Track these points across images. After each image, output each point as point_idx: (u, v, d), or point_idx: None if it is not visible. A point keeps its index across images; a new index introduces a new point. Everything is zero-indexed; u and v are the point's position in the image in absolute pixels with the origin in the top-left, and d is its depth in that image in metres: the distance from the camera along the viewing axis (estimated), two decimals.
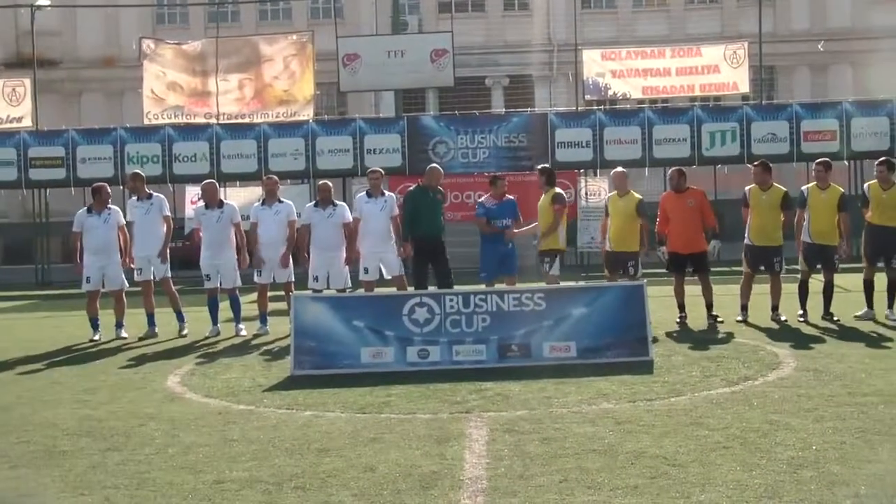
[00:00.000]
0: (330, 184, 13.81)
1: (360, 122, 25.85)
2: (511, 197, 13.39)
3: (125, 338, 13.26)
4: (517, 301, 10.17)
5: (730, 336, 11.90)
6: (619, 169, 13.82)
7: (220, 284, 13.49)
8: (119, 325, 13.51)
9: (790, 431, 7.02)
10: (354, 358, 9.90)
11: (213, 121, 26.17)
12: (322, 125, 25.93)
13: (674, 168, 14.18)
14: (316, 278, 13.17)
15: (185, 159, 25.28)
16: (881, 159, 13.57)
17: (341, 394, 8.86)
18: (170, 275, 13.73)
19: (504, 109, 31.23)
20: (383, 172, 14.15)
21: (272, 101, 26.87)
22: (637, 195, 13.33)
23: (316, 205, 13.43)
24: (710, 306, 13.11)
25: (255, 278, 13.51)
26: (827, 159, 13.66)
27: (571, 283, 12.43)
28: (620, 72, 27.19)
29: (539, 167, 13.53)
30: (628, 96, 27.46)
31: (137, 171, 14.56)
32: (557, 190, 13.02)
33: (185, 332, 13.40)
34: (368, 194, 13.41)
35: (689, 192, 13.22)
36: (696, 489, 5.71)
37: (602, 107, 27.18)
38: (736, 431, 7.04)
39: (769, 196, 13.04)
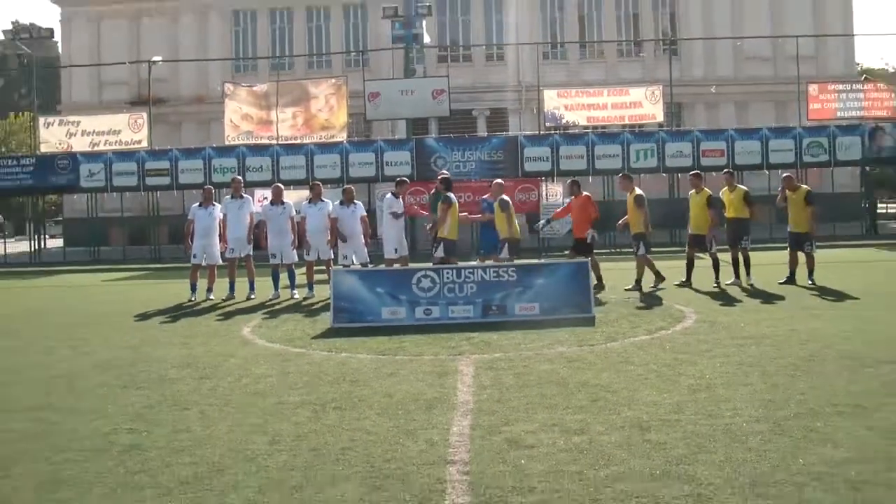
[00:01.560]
0: (352, 188, 13.80)
1: (381, 142, 25.69)
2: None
3: (213, 299, 13.22)
4: (496, 274, 10.12)
5: (650, 299, 11.84)
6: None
7: (282, 261, 13.46)
8: (210, 290, 13.44)
9: (691, 365, 7.03)
10: (377, 315, 9.86)
11: (275, 142, 26.00)
12: (353, 145, 25.77)
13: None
14: (345, 257, 13.17)
15: (254, 170, 25.09)
16: (725, 170, 13.76)
17: (367, 341, 8.82)
18: (251, 253, 13.70)
19: (486, 133, 31.04)
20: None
21: (317, 127, 26.69)
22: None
23: (342, 203, 13.42)
24: (599, 279, 12.94)
25: (304, 257, 13.50)
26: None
27: (536, 261, 12.31)
28: (571, 106, 27.03)
29: (440, 177, 12.96)
30: (577, 124, 27.28)
31: (238, 177, 14.57)
32: (449, 195, 12.53)
33: (252, 296, 13.34)
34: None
35: (582, 197, 13.28)
36: (624, 408, 5.73)
37: (558, 131, 27.04)
38: (653, 367, 7.04)
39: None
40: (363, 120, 29.47)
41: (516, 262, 11.79)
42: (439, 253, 12.33)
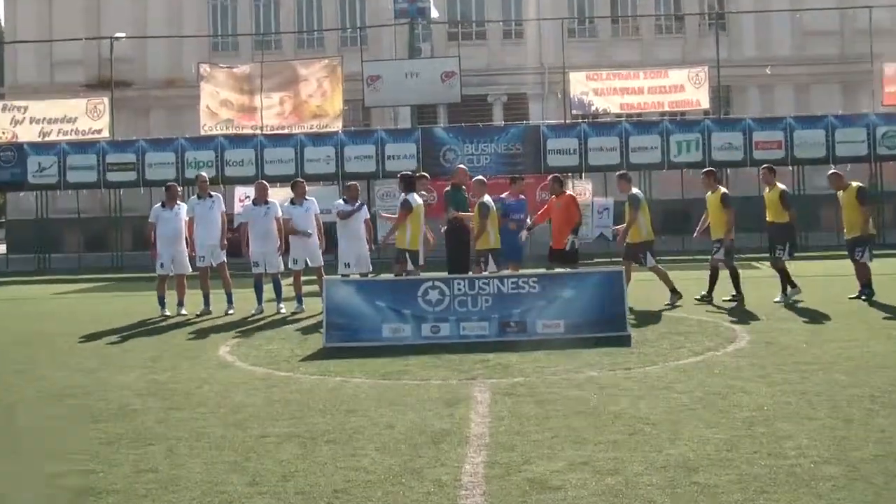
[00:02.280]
0: (358, 184, 13.82)
1: (382, 132, 25.81)
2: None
3: (185, 315, 13.20)
4: (515, 285, 10.08)
5: (694, 315, 11.77)
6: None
7: (266, 270, 13.44)
8: (180, 304, 13.43)
9: (745, 394, 6.95)
10: (377, 332, 9.85)
11: (258, 132, 26.11)
12: (349, 135, 25.87)
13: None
14: (347, 265, 13.12)
15: (235, 164, 25.20)
16: (764, 165, 13.77)
17: (366, 363, 8.80)
18: (226, 260, 13.70)
19: (503, 122, 31.05)
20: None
21: (307, 115, 26.83)
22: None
23: (346, 201, 13.40)
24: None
25: (290, 265, 13.49)
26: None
27: (561, 270, 12.29)
28: (601, 90, 27.08)
29: (401, 175, 12.85)
30: (608, 111, 27.32)
31: (202, 174, 14.57)
32: (409, 198, 12.37)
33: (231, 311, 13.32)
34: (292, 202, 13.47)
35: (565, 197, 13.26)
36: (667, 443, 5.65)
37: (586, 120, 27.05)
38: (700, 395, 6.96)
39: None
40: (361, 107, 29.56)
41: (539, 271, 11.74)
42: (408, 268, 12.25)
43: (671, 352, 8.97)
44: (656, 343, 9.52)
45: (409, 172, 13.42)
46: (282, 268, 13.60)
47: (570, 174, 24.75)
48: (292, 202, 13.60)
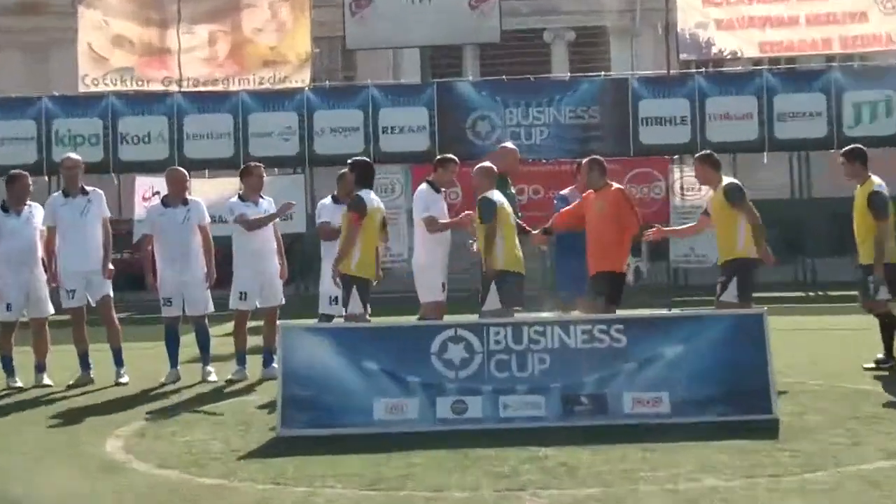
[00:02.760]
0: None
1: (374, 90, 25.94)
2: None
3: (49, 385, 13.24)
4: (588, 335, 10.10)
5: (890, 389, 11.71)
6: (851, 148, 13.84)
7: (184, 311, 13.48)
8: (41, 369, 13.49)
9: None
10: (365, 413, 9.89)
11: (174, 88, 26.28)
12: (322, 95, 26.07)
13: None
14: (334, 299, 13.16)
15: (136, 140, 25.40)
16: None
17: (346, 462, 8.80)
18: (111, 295, 13.76)
19: (569, 74, 31.12)
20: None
21: (254, 62, 27.01)
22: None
23: (336, 200, 13.47)
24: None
25: (234, 303, 13.54)
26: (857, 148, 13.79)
27: (663, 312, 12.32)
28: (729, 21, 27.11)
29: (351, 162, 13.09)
30: (740, 55, 27.33)
31: (72, 157, 14.56)
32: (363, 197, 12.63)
33: (123, 379, 13.36)
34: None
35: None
36: None
37: (704, 69, 27.05)
38: None
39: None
40: (341, 50, 29.71)
41: (632, 313, 11.73)
42: (353, 307, 12.32)
43: (847, 449, 8.91)
44: (823, 435, 9.45)
45: (364, 159, 13.50)
46: (210, 308, 13.69)
47: (673, 156, 24.77)
48: (242, 198, 13.65)
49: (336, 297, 13.01)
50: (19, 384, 13.23)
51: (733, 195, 12.49)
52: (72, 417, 11.45)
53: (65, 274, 13.45)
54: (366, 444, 9.29)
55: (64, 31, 28.78)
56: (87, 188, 13.83)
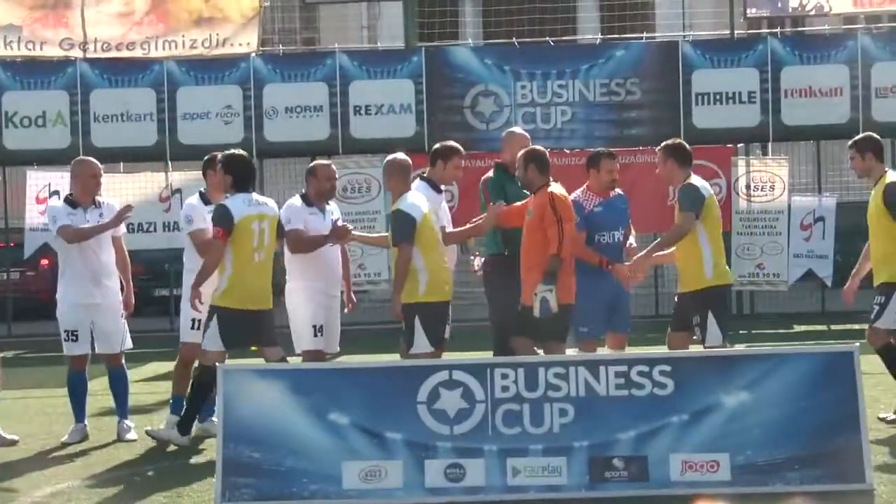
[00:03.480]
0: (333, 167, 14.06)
1: (343, 57, 26.02)
2: (619, 191, 13.44)
3: None
4: (624, 378, 10.20)
5: None
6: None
7: (93, 348, 13.63)
8: None
9: None
10: (331, 480, 9.98)
11: (77, 53, 26.36)
12: (274, 63, 26.16)
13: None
14: (317, 329, 13.40)
15: (27, 122, 25.49)
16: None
17: None
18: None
19: (600, 36, 31.26)
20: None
21: (184, 20, 27.04)
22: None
23: (306, 203, 13.66)
24: None
25: (185, 335, 13.72)
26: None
27: (723, 349, 12.41)
28: None
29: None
30: (827, 10, 27.45)
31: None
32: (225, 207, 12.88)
33: (13, 438, 13.53)
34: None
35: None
36: None
37: (779, 29, 27.22)
38: None
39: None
40: (298, 4, 29.80)
41: (675, 353, 11.87)
42: (207, 344, 12.69)
43: None
44: None
45: (238, 152, 13.61)
46: (128, 343, 13.84)
47: (738, 145, 24.88)
48: (204, 199, 13.84)
49: (319, 326, 13.33)
50: None
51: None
52: None
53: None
54: None
55: None
56: None
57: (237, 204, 12.53)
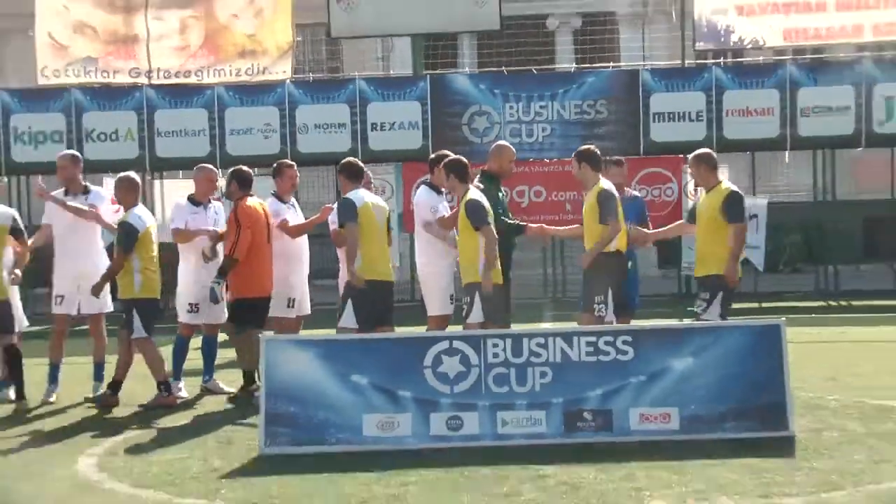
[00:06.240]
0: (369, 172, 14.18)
1: (362, 83, 25.95)
2: (636, 193, 13.40)
3: (12, 401, 13.35)
4: (593, 347, 10.30)
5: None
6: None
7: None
8: (4, 384, 13.60)
9: None
10: (353, 430, 10.09)
11: (143, 80, 26.33)
12: (305, 88, 26.07)
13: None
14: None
15: (102, 137, 25.43)
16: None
17: (333, 482, 8.95)
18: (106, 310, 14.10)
19: (574, 65, 31.27)
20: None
21: (230, 52, 26.97)
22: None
23: (195, 203, 13.91)
24: None
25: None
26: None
27: (672, 322, 12.46)
28: (750, 7, 27.15)
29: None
30: (761, 44, 27.42)
31: (69, 153, 14.94)
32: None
33: (99, 389, 13.56)
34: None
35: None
36: None
37: (721, 60, 27.19)
38: None
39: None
40: (325, 39, 29.78)
41: (634, 326, 11.94)
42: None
43: (868, 469, 9.04)
44: (841, 452, 9.60)
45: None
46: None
47: (687, 155, 24.79)
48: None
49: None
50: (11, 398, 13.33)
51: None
52: (40, 436, 11.60)
53: (63, 277, 13.83)
54: (355, 463, 9.48)
55: (20, 17, 28.72)
56: (92, 186, 14.34)
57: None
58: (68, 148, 24.58)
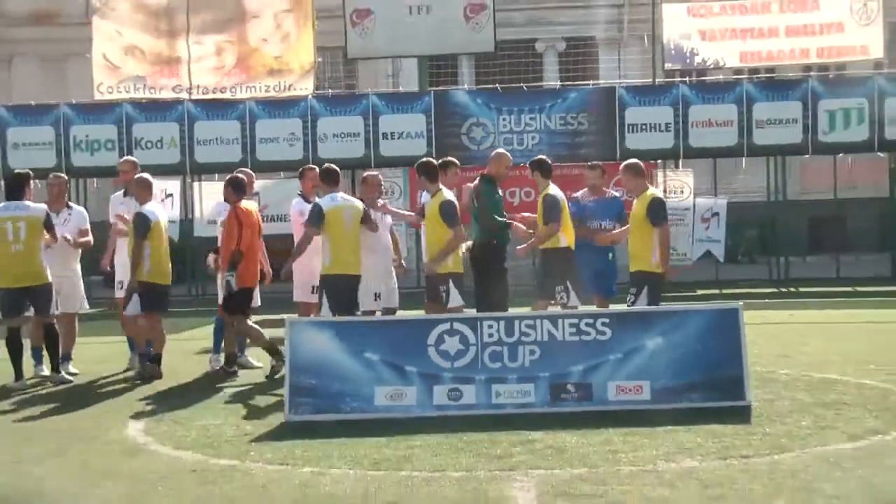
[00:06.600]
0: (379, 176, 14.10)
1: (374, 98, 25.93)
2: (616, 193, 13.36)
3: (74, 373, 13.40)
4: (575, 328, 10.29)
5: (852, 377, 11.85)
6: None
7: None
8: (66, 358, 13.60)
9: None
10: (366, 400, 10.08)
11: (184, 96, 26.31)
12: (325, 102, 26.04)
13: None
14: (377, 296, 13.32)
15: (149, 145, 25.43)
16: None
17: (349, 445, 8.96)
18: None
19: (559, 83, 31.23)
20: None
21: (260, 71, 26.95)
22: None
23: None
24: None
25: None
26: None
27: (645, 307, 12.40)
28: (711, 32, 27.13)
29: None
30: (721, 64, 27.40)
31: (129, 159, 15.25)
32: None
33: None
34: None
35: None
36: None
37: (687, 78, 27.16)
38: (860, 501, 7.06)
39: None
40: (343, 59, 29.73)
41: (612, 310, 11.90)
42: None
43: (814, 433, 9.06)
44: (791, 419, 9.62)
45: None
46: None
47: (658, 161, 24.84)
48: (305, 198, 13.93)
49: (378, 294, 13.25)
50: (44, 372, 13.30)
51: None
52: (94, 405, 11.64)
53: (119, 268, 13.91)
54: (367, 429, 9.48)
55: (79, 41, 28.72)
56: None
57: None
58: (120, 155, 24.69)
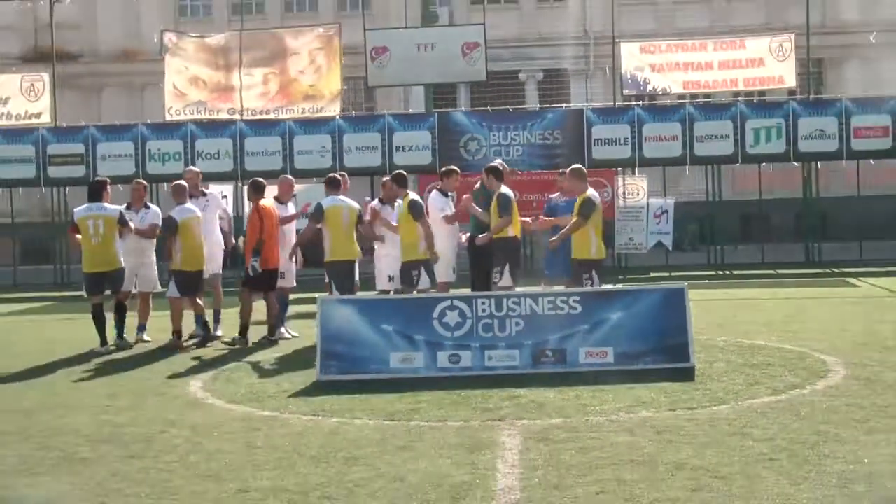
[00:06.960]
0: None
1: (389, 117, 25.88)
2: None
3: (147, 341, 13.36)
4: (552, 304, 10.28)
5: (775, 343, 11.81)
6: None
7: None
8: (141, 328, 13.61)
9: (840, 443, 6.97)
10: (383, 363, 10.06)
11: (237, 117, 26.27)
12: (349, 121, 25.97)
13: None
14: (390, 278, 13.07)
15: (208, 156, 25.36)
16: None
17: (369, 400, 8.95)
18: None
19: (538, 105, 31.13)
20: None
21: (297, 97, 26.94)
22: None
23: (381, 202, 13.53)
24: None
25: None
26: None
27: (608, 286, 12.36)
28: (660, 66, 27.02)
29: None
30: (668, 91, 27.31)
31: (192, 168, 15.45)
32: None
33: (219, 332, 13.56)
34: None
35: None
36: (740, 503, 5.68)
37: (641, 102, 27.04)
38: (782, 443, 7.01)
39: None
40: (364, 87, 29.69)
41: (582, 289, 11.81)
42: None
43: (745, 389, 9.03)
44: (726, 377, 9.58)
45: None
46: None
47: (618, 168, 24.81)
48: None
49: (391, 276, 12.99)
50: (147, 339, 13.38)
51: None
52: (164, 366, 11.58)
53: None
54: (383, 387, 9.47)
55: (154, 74, 28.69)
56: (206, 189, 14.95)
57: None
58: (185, 165, 24.64)
